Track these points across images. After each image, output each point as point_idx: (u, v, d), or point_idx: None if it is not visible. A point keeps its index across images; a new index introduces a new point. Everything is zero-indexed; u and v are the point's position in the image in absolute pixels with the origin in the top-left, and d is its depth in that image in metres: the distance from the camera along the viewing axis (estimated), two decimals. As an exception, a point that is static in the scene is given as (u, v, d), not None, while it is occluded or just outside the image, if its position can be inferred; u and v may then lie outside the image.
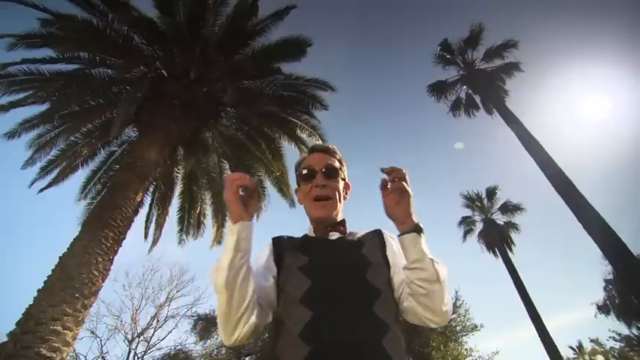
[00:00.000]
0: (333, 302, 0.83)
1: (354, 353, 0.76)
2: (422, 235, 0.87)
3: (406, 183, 0.90)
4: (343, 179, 1.13)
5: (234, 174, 0.91)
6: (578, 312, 38.30)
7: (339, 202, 1.08)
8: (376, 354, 0.77)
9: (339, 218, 1.09)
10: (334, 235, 1.05)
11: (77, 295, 4.07)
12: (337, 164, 1.11)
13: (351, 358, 0.76)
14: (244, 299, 0.82)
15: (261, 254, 1.04)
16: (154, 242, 8.41)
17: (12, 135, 6.90)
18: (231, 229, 0.86)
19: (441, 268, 0.86)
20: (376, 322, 0.82)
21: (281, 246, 1.03)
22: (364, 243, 1.01)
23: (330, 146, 1.15)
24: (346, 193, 1.15)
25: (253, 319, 0.84)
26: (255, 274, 0.90)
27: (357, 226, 1.11)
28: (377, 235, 1.05)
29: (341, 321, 0.80)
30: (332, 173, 1.07)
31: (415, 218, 0.89)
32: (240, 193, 0.89)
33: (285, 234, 1.09)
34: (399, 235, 0.90)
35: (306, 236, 1.08)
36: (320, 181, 1.05)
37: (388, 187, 0.93)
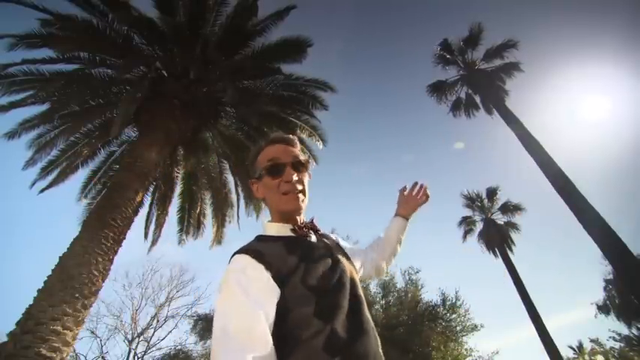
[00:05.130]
0: (343, 315, 0.85)
1: None
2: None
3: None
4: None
5: None
6: (578, 312, 38.32)
7: (307, 192, 1.06)
8: None
9: (305, 211, 1.08)
10: (312, 236, 1.02)
11: (77, 295, 4.08)
12: (302, 156, 1.08)
13: None
14: None
15: (250, 277, 0.80)
16: (154, 242, 8.42)
17: (12, 135, 6.91)
18: None
19: None
20: (375, 334, 0.89)
21: (272, 262, 0.84)
22: (338, 248, 1.06)
23: (291, 136, 1.12)
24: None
25: None
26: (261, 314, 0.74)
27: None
28: (336, 241, 1.12)
29: (357, 334, 0.84)
30: (300, 166, 1.05)
31: None
32: None
33: (251, 244, 0.93)
34: (403, 216, 1.46)
35: (283, 238, 0.96)
36: (289, 175, 1.01)
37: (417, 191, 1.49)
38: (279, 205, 1.02)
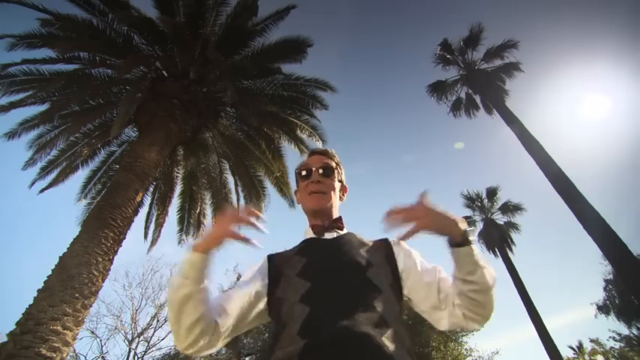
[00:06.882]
0: (332, 298, 0.82)
1: (353, 347, 0.72)
2: (472, 246, 0.84)
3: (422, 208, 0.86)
4: (340, 181, 1.18)
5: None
6: (578, 312, 38.28)
7: (334, 197, 1.12)
8: (376, 350, 0.72)
9: (335, 214, 1.11)
10: (332, 234, 1.05)
11: (77, 295, 4.07)
12: (334, 165, 1.16)
13: (349, 352, 0.72)
14: (191, 322, 0.85)
15: (253, 265, 1.05)
16: (154, 242, 8.42)
17: (12, 135, 6.91)
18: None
19: (491, 274, 0.87)
20: (377, 318, 0.79)
21: (276, 260, 1.01)
22: (366, 245, 1.00)
23: (329, 150, 1.21)
24: (343, 194, 1.20)
25: (202, 341, 0.87)
26: (238, 284, 1.00)
27: (357, 224, 1.14)
28: (383, 242, 1.03)
29: (340, 315, 0.77)
30: (328, 172, 1.12)
31: (461, 225, 0.84)
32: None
33: (282, 249, 1.10)
34: (449, 247, 0.86)
35: (304, 240, 1.07)
36: (316, 177, 1.10)
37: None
38: (305, 204, 1.11)
